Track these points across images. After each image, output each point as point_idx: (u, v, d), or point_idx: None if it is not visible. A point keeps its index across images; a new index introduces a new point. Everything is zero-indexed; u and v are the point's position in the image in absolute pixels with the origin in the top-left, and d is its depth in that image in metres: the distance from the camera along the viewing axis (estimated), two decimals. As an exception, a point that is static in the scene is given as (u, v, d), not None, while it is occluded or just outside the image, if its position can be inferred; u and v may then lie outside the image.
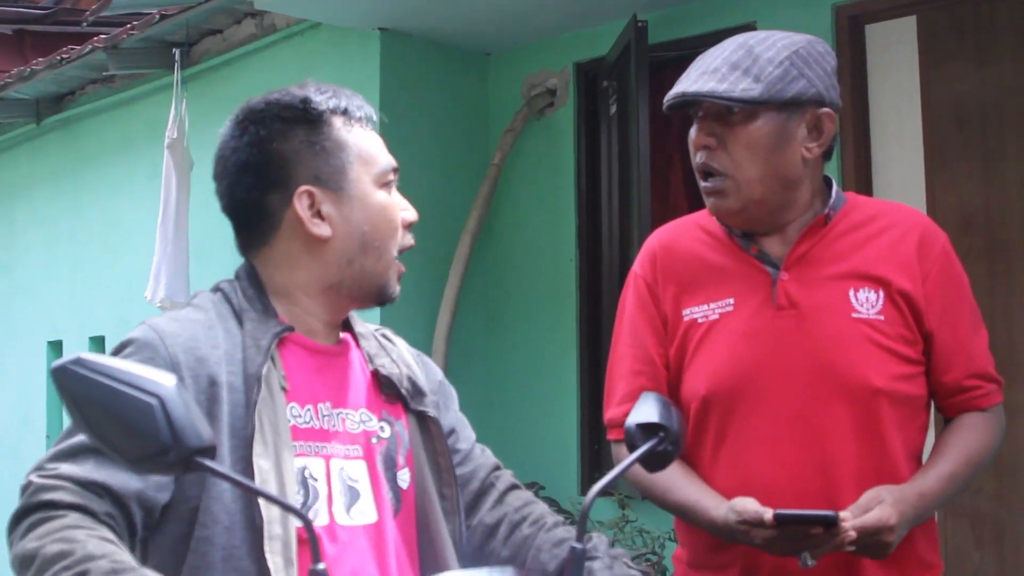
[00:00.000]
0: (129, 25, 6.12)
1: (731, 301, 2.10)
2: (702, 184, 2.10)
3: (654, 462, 1.70)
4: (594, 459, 5.13)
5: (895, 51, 4.40)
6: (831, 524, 1.85)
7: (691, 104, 2.08)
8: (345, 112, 1.79)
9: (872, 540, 1.90)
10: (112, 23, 6.99)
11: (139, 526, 1.58)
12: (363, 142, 1.79)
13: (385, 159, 1.81)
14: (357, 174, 1.76)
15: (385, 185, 1.80)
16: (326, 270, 1.76)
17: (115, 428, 1.33)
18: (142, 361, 1.55)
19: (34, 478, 1.54)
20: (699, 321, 2.12)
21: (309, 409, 1.72)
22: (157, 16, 5.91)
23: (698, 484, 2.08)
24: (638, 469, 2.10)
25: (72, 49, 6.70)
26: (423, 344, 5.05)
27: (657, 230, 2.28)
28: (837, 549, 1.89)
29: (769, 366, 2.04)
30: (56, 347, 7.39)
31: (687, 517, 2.09)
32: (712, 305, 2.11)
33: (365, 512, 1.72)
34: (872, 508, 1.91)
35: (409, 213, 1.83)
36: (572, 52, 5.39)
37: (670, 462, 1.72)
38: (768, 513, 1.87)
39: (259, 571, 1.58)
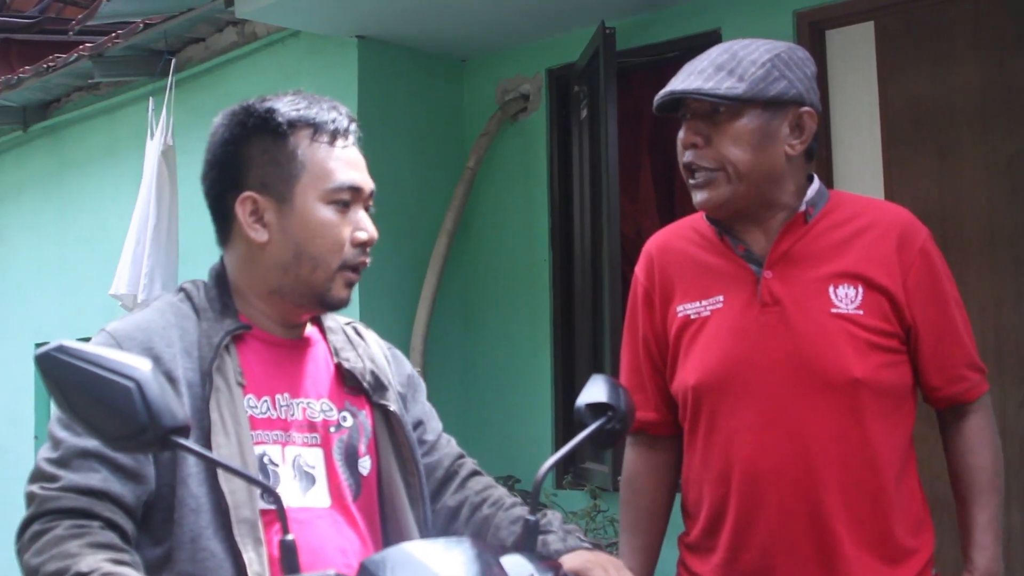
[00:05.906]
0: (114, 34, 6.22)
1: (721, 299, 2.20)
2: (690, 181, 2.18)
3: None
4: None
5: (854, 55, 4.52)
6: None
7: (680, 105, 2.18)
8: (314, 126, 1.82)
9: None
10: (97, 32, 7.08)
11: (135, 524, 1.68)
12: (322, 158, 1.82)
13: (344, 177, 1.82)
14: (303, 187, 1.80)
15: (334, 203, 1.82)
16: (266, 274, 1.83)
17: (96, 410, 1.43)
18: None
19: (36, 489, 1.64)
20: (692, 317, 2.22)
21: (266, 400, 1.81)
22: (141, 25, 6.00)
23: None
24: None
25: (58, 57, 6.79)
26: (401, 341, 5.14)
27: (654, 234, 2.40)
28: None
29: (753, 360, 2.14)
30: (44, 349, 7.45)
31: None
32: (704, 302, 2.21)
33: (319, 497, 1.81)
34: None
35: (363, 233, 1.84)
36: (544, 58, 5.49)
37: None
38: None
39: (226, 551, 1.68)
